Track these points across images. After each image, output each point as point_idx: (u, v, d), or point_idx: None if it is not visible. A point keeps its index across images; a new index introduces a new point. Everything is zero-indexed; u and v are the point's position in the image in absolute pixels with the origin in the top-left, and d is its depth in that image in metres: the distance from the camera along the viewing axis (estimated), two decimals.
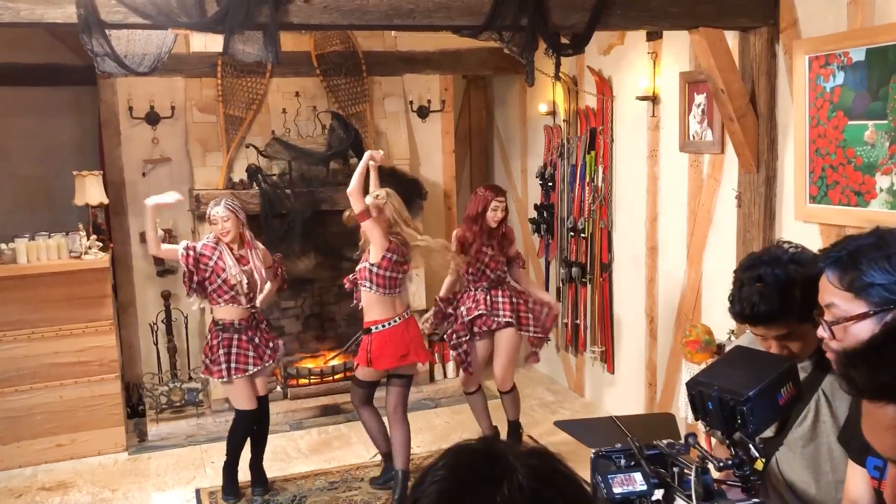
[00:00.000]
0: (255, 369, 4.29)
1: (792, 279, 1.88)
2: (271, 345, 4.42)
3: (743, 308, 1.94)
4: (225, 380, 4.24)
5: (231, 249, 4.24)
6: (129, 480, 4.73)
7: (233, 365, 4.22)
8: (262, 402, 4.43)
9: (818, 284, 1.72)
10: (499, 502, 0.91)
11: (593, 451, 1.79)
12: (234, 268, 4.18)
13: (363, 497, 4.39)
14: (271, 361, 4.41)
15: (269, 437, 5.04)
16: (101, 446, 5.05)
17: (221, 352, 4.22)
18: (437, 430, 5.35)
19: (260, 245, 4.40)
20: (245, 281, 4.22)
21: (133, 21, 3.02)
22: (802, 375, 1.97)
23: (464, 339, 4.57)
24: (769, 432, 2.06)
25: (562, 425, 2.19)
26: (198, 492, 4.52)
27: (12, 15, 2.92)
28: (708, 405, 1.75)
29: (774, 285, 1.89)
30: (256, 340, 4.31)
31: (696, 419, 1.83)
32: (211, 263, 4.18)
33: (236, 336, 4.26)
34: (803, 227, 3.72)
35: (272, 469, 4.75)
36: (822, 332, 1.69)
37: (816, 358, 1.96)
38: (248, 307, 4.29)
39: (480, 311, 4.53)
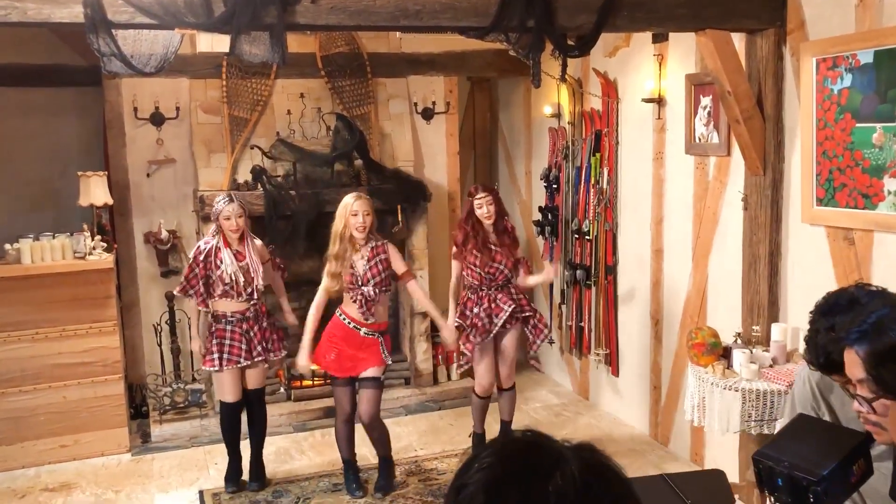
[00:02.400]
0: (245, 363, 4.32)
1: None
2: (271, 342, 4.43)
3: (818, 357, 1.88)
4: (216, 369, 4.33)
5: (230, 245, 4.30)
6: (132, 481, 4.72)
7: (225, 356, 4.28)
8: (255, 396, 4.46)
9: None
10: (551, 492, 0.90)
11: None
12: (231, 266, 4.27)
13: (367, 499, 4.37)
14: (264, 357, 4.40)
15: (273, 438, 5.07)
16: (104, 447, 5.04)
17: (215, 342, 4.31)
18: (440, 431, 5.34)
19: (257, 240, 4.47)
20: (241, 277, 4.29)
21: (140, 21, 3.02)
22: (889, 461, 1.89)
23: (482, 341, 4.54)
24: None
25: None
26: (201, 493, 4.51)
27: (20, 14, 2.93)
28: (777, 482, 1.68)
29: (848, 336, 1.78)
30: (251, 334, 4.34)
31: (762, 492, 1.77)
32: (210, 259, 4.30)
33: (230, 328, 4.31)
34: (810, 229, 3.71)
35: (277, 471, 4.75)
36: (858, 406, 1.62)
37: None
38: (245, 300, 4.33)
39: (511, 308, 4.53)
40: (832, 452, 1.65)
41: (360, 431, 4.41)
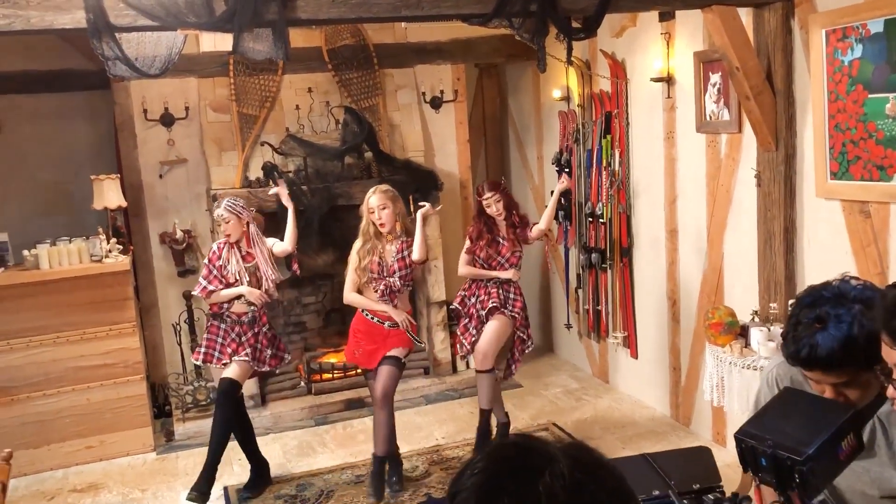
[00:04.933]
0: (226, 362, 4.31)
1: (857, 323, 1.69)
2: (261, 350, 4.35)
3: (798, 350, 1.73)
4: (198, 362, 4.42)
5: (238, 247, 4.32)
6: (157, 480, 4.78)
7: (212, 352, 4.33)
8: (231, 384, 4.29)
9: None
10: (541, 491, 0.91)
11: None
12: (237, 265, 4.30)
13: (388, 490, 4.39)
14: (250, 361, 4.28)
15: (294, 432, 5.12)
16: (129, 447, 5.10)
17: (206, 335, 4.37)
18: (460, 420, 5.35)
19: (268, 241, 4.43)
20: (246, 278, 4.29)
21: (142, 23, 3.02)
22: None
23: (478, 333, 4.59)
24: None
25: None
26: (226, 489, 4.55)
27: (23, 22, 2.94)
28: (761, 461, 1.58)
29: (836, 328, 1.69)
30: (243, 339, 4.33)
31: (745, 471, 1.66)
32: (219, 261, 4.33)
33: (224, 327, 4.34)
34: (825, 203, 3.67)
35: (300, 465, 4.78)
36: (893, 392, 1.56)
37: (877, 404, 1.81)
38: (244, 303, 4.33)
39: (493, 304, 4.56)
40: (818, 429, 1.54)
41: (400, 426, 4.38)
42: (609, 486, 0.96)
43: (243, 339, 4.34)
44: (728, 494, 1.76)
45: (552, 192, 4.92)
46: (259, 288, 4.34)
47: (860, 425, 1.62)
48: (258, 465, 4.53)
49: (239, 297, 4.32)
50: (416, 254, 4.31)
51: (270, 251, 4.41)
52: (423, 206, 4.42)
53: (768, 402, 1.77)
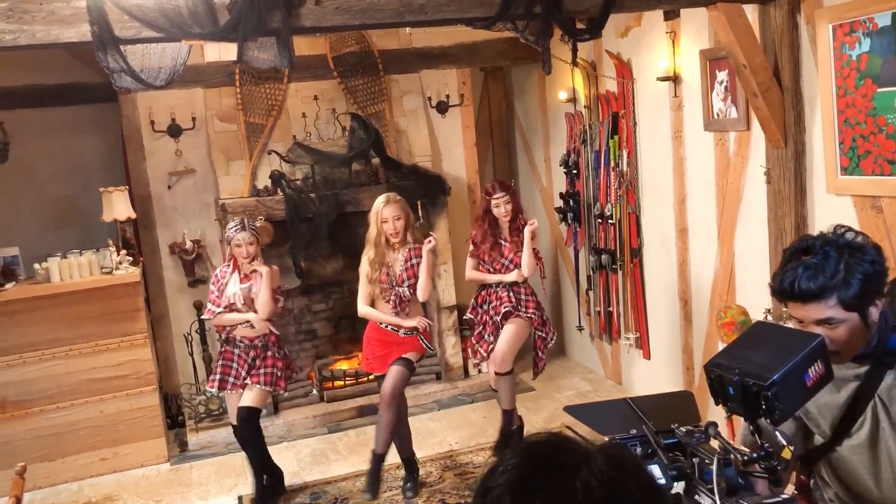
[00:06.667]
0: (240, 390, 4.28)
1: (844, 261, 1.72)
2: (274, 374, 4.29)
3: (783, 280, 1.77)
4: (214, 390, 4.39)
5: (240, 269, 4.28)
6: (172, 490, 4.78)
7: (227, 378, 4.28)
8: (247, 414, 4.26)
9: (874, 277, 1.66)
10: (578, 487, 0.90)
11: (606, 438, 1.69)
12: (233, 286, 4.25)
13: (400, 498, 4.38)
14: (260, 382, 4.25)
15: (307, 440, 5.13)
16: (143, 458, 5.11)
17: (220, 363, 4.32)
18: (473, 425, 5.33)
19: (270, 267, 4.32)
20: (241, 299, 4.23)
21: (146, 35, 3.03)
22: (855, 383, 1.86)
23: (495, 339, 4.57)
24: (822, 438, 1.99)
25: (571, 410, 1.97)
26: (240, 499, 4.55)
27: (28, 37, 2.95)
28: (729, 390, 1.59)
29: (823, 258, 1.73)
30: (256, 363, 4.28)
31: (717, 403, 1.68)
32: (220, 283, 4.30)
33: (237, 352, 4.31)
34: (836, 200, 3.64)
35: (313, 473, 4.78)
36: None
37: (871, 363, 1.83)
38: (250, 327, 4.26)
39: (507, 308, 4.54)
40: (785, 356, 1.55)
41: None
42: (643, 484, 0.95)
43: (258, 363, 4.29)
44: None
45: (529, 233, 4.55)
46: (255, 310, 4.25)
47: (827, 353, 1.62)
48: (272, 474, 4.52)
49: (245, 322, 4.27)
50: (422, 294, 4.28)
51: (272, 273, 4.29)
52: (431, 241, 4.29)
53: (739, 336, 1.79)
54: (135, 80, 3.12)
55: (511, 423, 4.72)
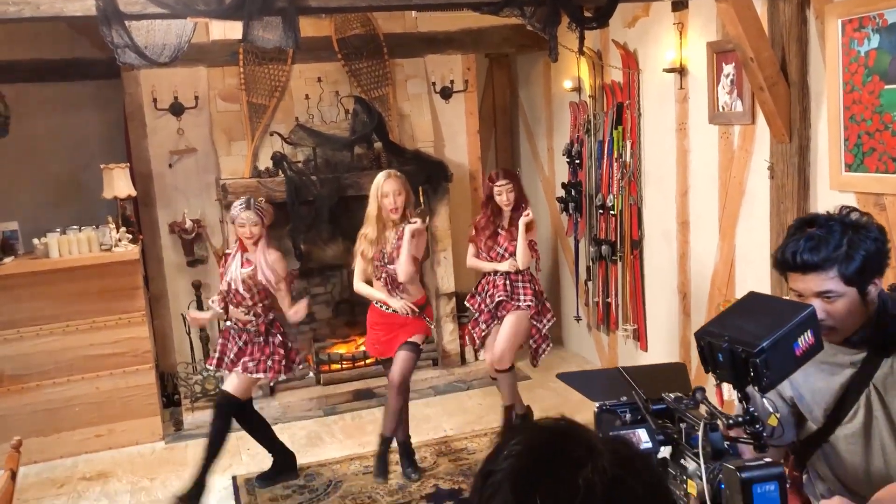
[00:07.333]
0: (227, 370, 4.29)
1: (847, 236, 1.76)
2: (266, 361, 4.20)
3: (785, 250, 1.80)
4: (213, 368, 4.41)
5: (246, 249, 4.19)
6: (166, 469, 4.79)
7: (223, 357, 4.28)
8: (224, 397, 4.26)
9: (876, 255, 1.69)
10: (580, 485, 0.88)
11: (597, 404, 1.70)
12: (234, 272, 4.16)
13: (398, 480, 4.39)
14: (249, 372, 4.18)
15: (303, 422, 5.15)
16: (138, 436, 5.12)
17: (220, 341, 4.33)
18: (469, 412, 5.34)
19: (274, 253, 4.20)
20: (240, 285, 4.13)
21: (151, 11, 3.01)
22: (850, 370, 1.86)
23: (488, 327, 4.59)
24: (814, 425, 1.99)
25: (564, 377, 1.96)
26: (234, 479, 4.56)
27: (32, 10, 2.93)
28: (718, 357, 1.60)
29: (827, 231, 1.77)
30: (246, 348, 4.22)
31: (707, 371, 1.69)
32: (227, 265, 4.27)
33: (232, 332, 4.29)
34: (839, 196, 3.62)
35: (308, 455, 4.78)
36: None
37: (869, 347, 1.84)
38: (245, 312, 4.19)
39: (501, 297, 4.52)
40: (776, 325, 1.56)
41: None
42: (646, 482, 0.93)
43: (247, 348, 4.23)
44: None
45: (524, 224, 4.47)
46: (259, 295, 4.18)
47: (818, 324, 1.63)
48: (281, 455, 4.48)
49: (231, 302, 4.21)
50: (400, 275, 4.19)
51: (275, 261, 4.18)
52: (415, 223, 4.19)
53: (731, 305, 1.80)
54: (139, 56, 3.10)
55: (511, 419, 4.73)
